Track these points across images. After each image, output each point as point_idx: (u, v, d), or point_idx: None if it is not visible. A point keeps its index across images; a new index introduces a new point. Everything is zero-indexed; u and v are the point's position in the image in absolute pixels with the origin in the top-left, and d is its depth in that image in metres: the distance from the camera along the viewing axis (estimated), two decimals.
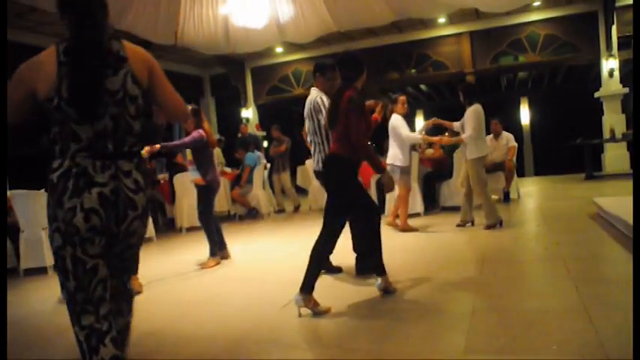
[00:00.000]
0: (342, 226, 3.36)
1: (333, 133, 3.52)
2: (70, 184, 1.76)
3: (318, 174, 4.36)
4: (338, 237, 3.34)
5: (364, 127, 3.38)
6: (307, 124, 4.37)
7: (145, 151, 4.81)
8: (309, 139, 4.46)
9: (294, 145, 9.90)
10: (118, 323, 1.92)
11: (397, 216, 6.18)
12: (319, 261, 3.31)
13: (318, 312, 3.19)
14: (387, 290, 3.51)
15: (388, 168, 5.25)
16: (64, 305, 1.85)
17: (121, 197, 1.82)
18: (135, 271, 4.15)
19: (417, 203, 7.10)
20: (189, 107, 5.27)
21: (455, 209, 7.12)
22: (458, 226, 6.01)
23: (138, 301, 4.28)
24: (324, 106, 4.17)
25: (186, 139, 5.11)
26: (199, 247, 6.08)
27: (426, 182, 7.69)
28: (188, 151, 5.23)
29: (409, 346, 2.63)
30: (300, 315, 3.18)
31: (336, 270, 4.30)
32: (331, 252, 3.41)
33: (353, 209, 3.47)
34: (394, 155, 5.92)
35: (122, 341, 1.91)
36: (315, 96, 4.29)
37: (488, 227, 5.68)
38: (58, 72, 1.78)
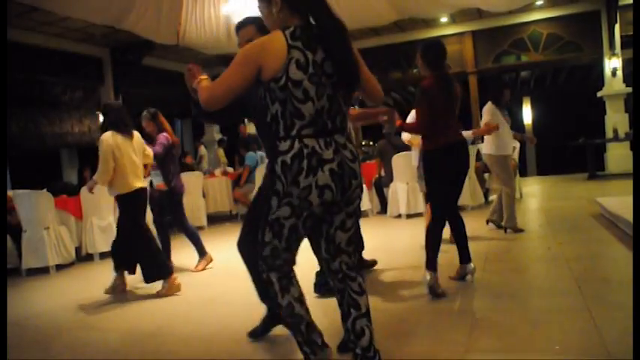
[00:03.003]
0: None
1: (453, 120, 3.58)
2: (305, 164, 1.92)
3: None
4: None
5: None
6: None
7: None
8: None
9: None
10: (365, 301, 2.16)
11: None
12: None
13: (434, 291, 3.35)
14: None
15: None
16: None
17: (345, 169, 1.98)
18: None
19: (420, 202, 7.09)
20: (144, 113, 5.10)
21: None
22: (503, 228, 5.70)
23: (138, 302, 4.30)
24: None
25: (157, 148, 4.85)
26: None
27: None
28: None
29: (411, 346, 2.63)
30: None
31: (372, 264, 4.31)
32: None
33: None
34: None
35: (370, 317, 2.17)
36: None
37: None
38: (288, 54, 1.91)
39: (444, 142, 3.43)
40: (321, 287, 3.62)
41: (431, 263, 3.39)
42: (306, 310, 2.11)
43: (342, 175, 1.97)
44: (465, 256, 3.67)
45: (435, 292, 3.35)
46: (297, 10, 2.01)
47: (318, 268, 3.40)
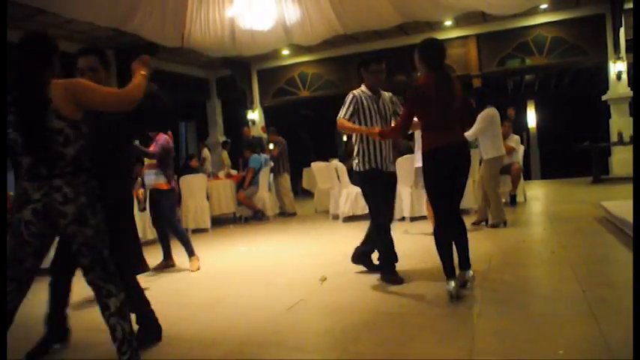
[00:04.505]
0: None
1: (451, 121, 3.38)
2: (17, 203, 2.31)
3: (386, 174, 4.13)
4: None
5: None
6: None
7: None
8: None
9: (298, 147, 9.89)
10: (114, 303, 2.42)
11: None
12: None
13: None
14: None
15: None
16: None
17: (51, 210, 2.27)
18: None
19: (423, 206, 7.08)
20: None
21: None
22: (473, 224, 6.07)
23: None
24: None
25: (156, 149, 5.03)
26: (204, 249, 6.09)
27: None
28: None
29: (415, 349, 2.62)
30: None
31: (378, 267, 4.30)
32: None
33: None
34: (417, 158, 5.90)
35: (124, 316, 2.45)
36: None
37: (493, 226, 5.92)
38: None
39: (438, 143, 3.34)
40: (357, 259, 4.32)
41: (446, 270, 3.36)
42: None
43: (47, 214, 2.27)
44: (463, 263, 3.54)
45: (458, 296, 3.31)
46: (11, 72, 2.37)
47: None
